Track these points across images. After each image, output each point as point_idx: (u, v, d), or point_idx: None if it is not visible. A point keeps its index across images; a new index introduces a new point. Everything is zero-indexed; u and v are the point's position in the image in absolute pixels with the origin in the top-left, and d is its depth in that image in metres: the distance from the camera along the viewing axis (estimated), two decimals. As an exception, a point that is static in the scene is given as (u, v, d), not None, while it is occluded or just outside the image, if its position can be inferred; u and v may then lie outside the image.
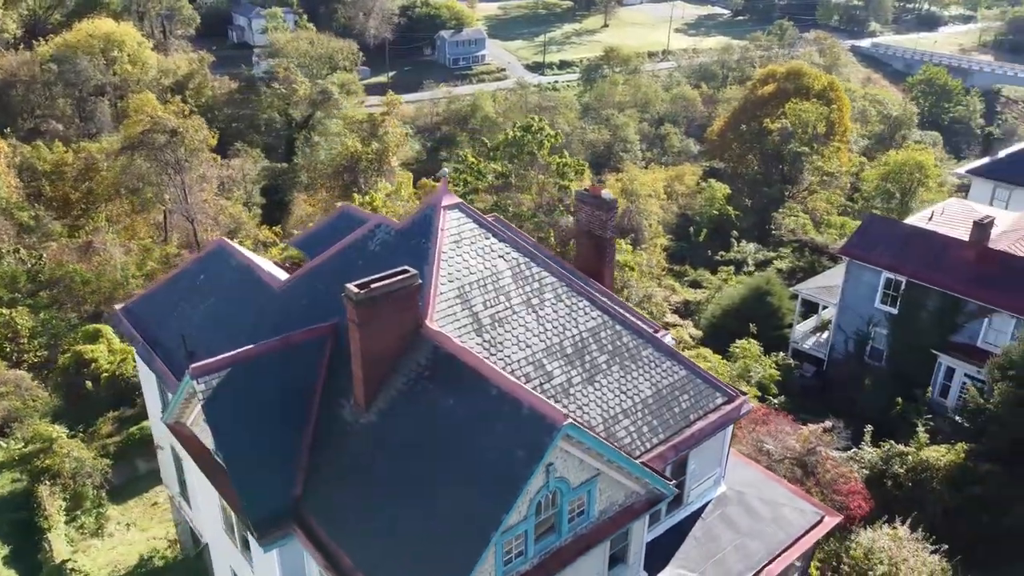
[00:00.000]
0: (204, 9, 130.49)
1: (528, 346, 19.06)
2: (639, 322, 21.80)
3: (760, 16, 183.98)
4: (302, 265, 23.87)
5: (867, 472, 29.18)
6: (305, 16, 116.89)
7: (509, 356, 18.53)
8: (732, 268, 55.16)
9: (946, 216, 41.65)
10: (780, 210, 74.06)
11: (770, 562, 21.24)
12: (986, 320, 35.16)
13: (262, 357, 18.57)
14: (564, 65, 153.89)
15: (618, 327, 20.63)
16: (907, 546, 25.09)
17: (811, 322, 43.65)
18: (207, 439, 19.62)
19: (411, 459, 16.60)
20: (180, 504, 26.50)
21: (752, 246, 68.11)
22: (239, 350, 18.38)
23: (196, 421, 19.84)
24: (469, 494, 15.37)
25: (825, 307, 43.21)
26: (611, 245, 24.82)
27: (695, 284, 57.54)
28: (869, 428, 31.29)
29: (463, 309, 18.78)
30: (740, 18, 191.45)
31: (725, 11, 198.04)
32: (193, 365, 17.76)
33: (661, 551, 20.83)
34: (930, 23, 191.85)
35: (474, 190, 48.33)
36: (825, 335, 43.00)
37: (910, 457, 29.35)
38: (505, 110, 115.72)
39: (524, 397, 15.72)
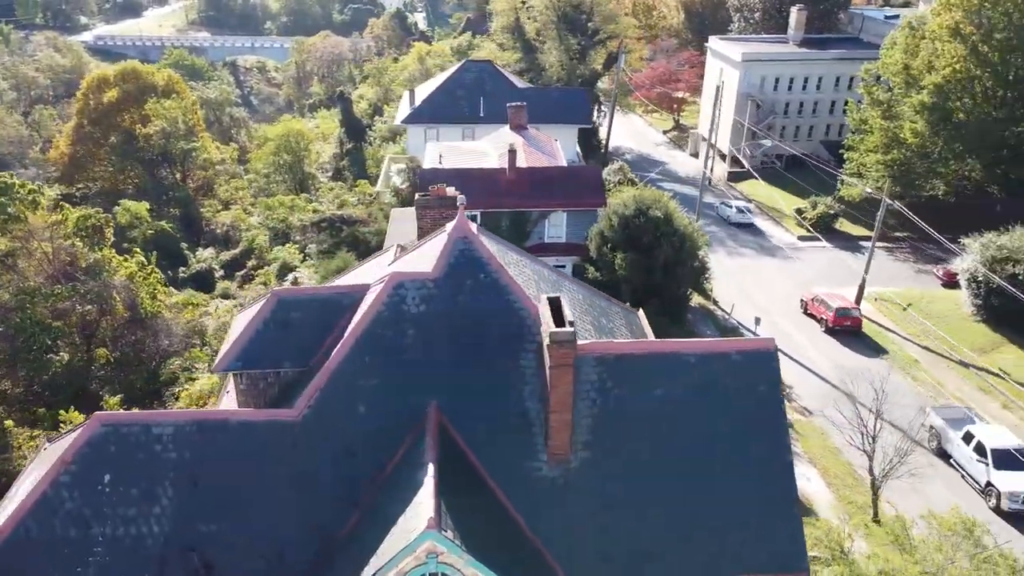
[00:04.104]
0: None
1: (590, 335, 19.72)
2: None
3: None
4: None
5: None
6: None
7: (593, 346, 19.03)
8: (275, 271, 52.88)
9: (448, 158, 49.45)
10: (201, 210, 72.49)
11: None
12: (545, 221, 44.88)
13: (445, 475, 15.02)
14: None
15: (585, 291, 22.42)
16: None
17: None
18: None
19: (673, 458, 16.53)
20: None
21: (208, 251, 65.78)
22: (428, 480, 14.43)
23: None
24: (751, 445, 16.70)
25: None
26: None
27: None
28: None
29: (556, 321, 18.28)
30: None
31: None
32: (430, 517, 13.58)
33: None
34: (133, 9, 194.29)
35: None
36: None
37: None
38: None
39: (725, 347, 17.49)
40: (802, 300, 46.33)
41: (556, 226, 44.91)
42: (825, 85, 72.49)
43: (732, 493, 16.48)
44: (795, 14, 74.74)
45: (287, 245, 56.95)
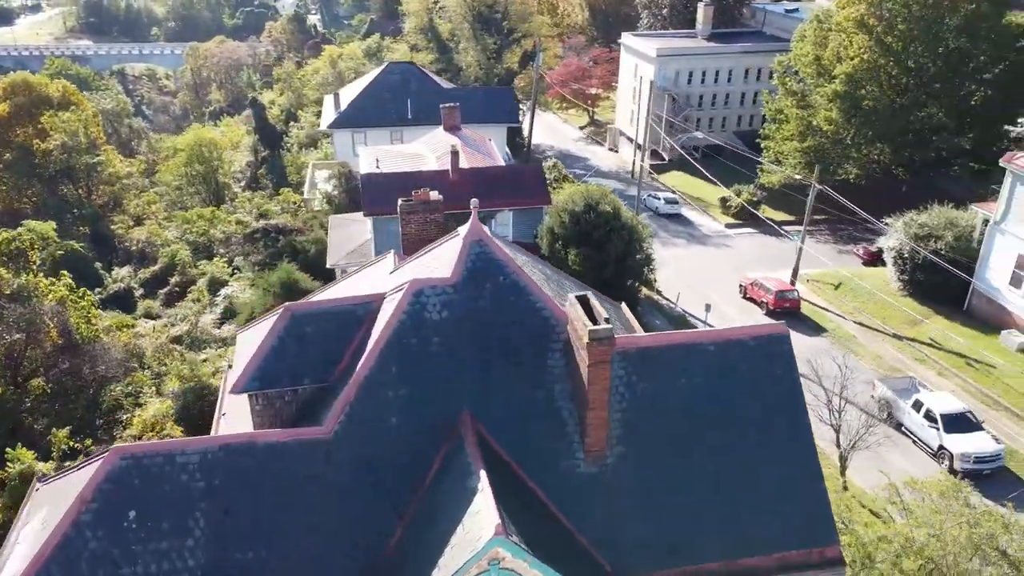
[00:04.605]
0: None
1: (598, 328, 19.87)
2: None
3: None
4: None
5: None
6: None
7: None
8: (205, 287, 50.42)
9: (385, 161, 48.74)
10: (112, 226, 68.98)
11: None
12: (492, 221, 44.81)
13: (494, 480, 14.85)
14: None
15: (579, 289, 22.58)
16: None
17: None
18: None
19: (702, 446, 16.85)
20: None
21: (125, 270, 62.47)
22: (484, 487, 14.24)
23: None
24: (774, 427, 17.27)
25: (346, 270, 46.31)
26: (442, 243, 24.80)
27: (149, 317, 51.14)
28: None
29: (574, 318, 18.35)
30: None
31: None
32: (496, 524, 13.41)
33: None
34: (5, 17, 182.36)
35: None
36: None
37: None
38: None
39: (740, 334, 18.01)
40: (740, 285, 47.99)
41: (503, 225, 44.93)
42: (735, 77, 75.24)
43: (761, 475, 16.98)
44: (702, 9, 77.26)
45: (214, 259, 54.80)
